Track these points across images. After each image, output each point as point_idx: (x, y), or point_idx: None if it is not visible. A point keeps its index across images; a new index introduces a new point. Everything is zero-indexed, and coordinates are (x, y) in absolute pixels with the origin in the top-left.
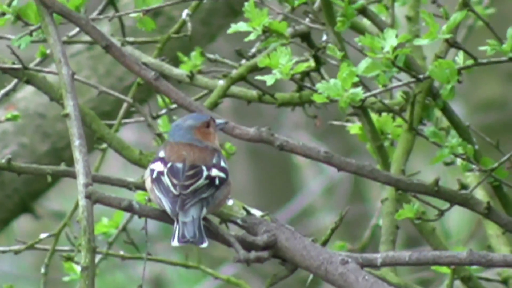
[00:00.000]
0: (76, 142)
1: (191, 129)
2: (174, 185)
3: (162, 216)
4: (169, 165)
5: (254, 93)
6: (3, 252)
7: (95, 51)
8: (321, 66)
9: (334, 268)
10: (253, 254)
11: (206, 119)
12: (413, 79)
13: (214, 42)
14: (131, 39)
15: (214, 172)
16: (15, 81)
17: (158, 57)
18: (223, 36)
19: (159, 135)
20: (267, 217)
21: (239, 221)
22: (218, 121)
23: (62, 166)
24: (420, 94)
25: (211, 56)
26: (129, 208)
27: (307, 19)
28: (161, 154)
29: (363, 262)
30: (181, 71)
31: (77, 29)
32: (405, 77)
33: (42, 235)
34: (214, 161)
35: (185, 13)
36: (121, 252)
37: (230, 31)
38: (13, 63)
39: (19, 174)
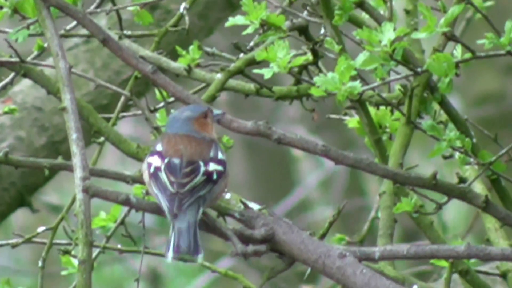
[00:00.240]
0: (73, 136)
1: (189, 120)
2: (171, 183)
3: (159, 210)
4: (166, 160)
5: (251, 86)
6: (0, 246)
7: (92, 44)
8: (318, 59)
9: (332, 261)
10: (250, 248)
11: (203, 109)
12: (411, 73)
13: (212, 36)
14: (128, 32)
15: (212, 166)
16: (12, 74)
17: (155, 51)
18: (221, 30)
19: (157, 129)
20: (264, 211)
21: (236, 214)
22: (216, 111)
23: (59, 160)
24: (418, 88)
25: (208, 49)
26: (126, 202)
27: (305, 13)
28: (159, 147)
29: (361, 255)
30: (178, 65)
31: (74, 22)
32: (403, 71)
33: (40, 229)
34: (212, 154)
35: (182, 7)
36: (119, 246)
37: (227, 24)
38: (10, 57)
39: (16, 168)
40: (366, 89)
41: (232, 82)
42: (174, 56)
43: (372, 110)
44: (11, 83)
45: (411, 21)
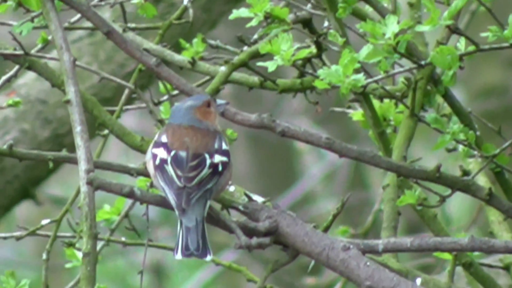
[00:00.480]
0: (77, 128)
1: (191, 109)
2: (178, 177)
3: (164, 203)
4: (172, 153)
5: (255, 79)
6: (5, 238)
7: (96, 37)
8: (322, 52)
9: (336, 254)
10: (254, 241)
11: (206, 98)
12: (415, 66)
13: (216, 29)
14: (132, 25)
15: (217, 158)
16: (16, 67)
17: (159, 44)
18: (225, 22)
19: (161, 121)
20: (268, 203)
21: (240, 207)
22: (219, 101)
23: (64, 152)
24: (421, 81)
25: (212, 42)
26: (130, 195)
27: (309, 5)
28: (164, 139)
29: (364, 248)
30: (182, 57)
31: (78, 15)
32: (407, 63)
33: (44, 222)
34: (216, 145)
35: (186, 0)
36: (123, 239)
37: (231, 17)
38: (15, 49)
39: (20, 160)
40: (370, 82)
41: (236, 75)
42: (178, 49)
43: (376, 103)
44: (15, 76)
45: (415, 14)
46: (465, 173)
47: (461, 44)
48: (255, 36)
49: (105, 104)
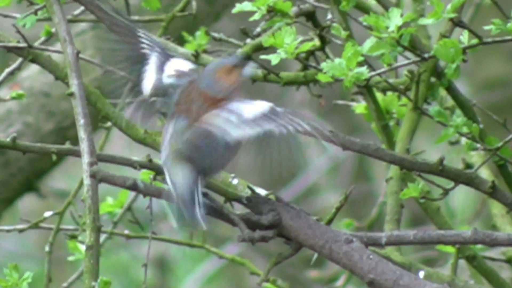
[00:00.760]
0: (81, 121)
1: (214, 71)
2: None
3: (167, 196)
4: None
5: (259, 72)
6: (8, 231)
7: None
8: (326, 45)
9: (339, 247)
10: (257, 233)
11: (233, 61)
12: (418, 59)
13: (219, 21)
14: (135, 18)
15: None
16: (20, 60)
17: (163, 36)
18: (228, 15)
19: (164, 114)
20: (271, 196)
21: (243, 200)
22: (249, 66)
23: (67, 145)
24: (425, 74)
25: (216, 35)
26: (134, 187)
27: None
28: (175, 98)
29: (367, 241)
30: (186, 50)
31: (82, 8)
32: (410, 56)
33: (47, 214)
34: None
35: None
36: (126, 232)
37: (234, 11)
38: (18, 42)
39: (24, 153)
40: (373, 75)
41: None
42: (182, 42)
43: (379, 95)
44: (19, 68)
45: (418, 7)
46: (468, 166)
47: (464, 37)
48: (258, 29)
49: (109, 97)
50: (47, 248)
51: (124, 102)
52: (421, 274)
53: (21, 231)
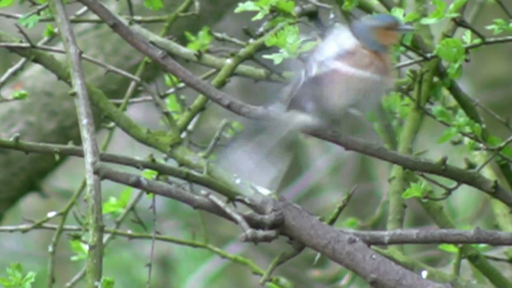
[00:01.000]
0: (83, 121)
1: (374, 29)
2: None
3: (170, 192)
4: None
5: (261, 71)
6: (11, 231)
7: (102, 30)
8: None
9: (341, 246)
10: (260, 233)
11: (392, 20)
12: (420, 58)
13: (222, 21)
14: (138, 17)
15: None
16: (22, 59)
17: (165, 36)
18: (231, 15)
19: (167, 114)
20: (274, 196)
21: (246, 200)
22: (403, 26)
23: (70, 145)
24: (427, 73)
25: (218, 34)
26: (137, 184)
27: None
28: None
29: (370, 240)
30: (188, 50)
31: (85, 8)
32: (413, 56)
33: (50, 214)
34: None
35: None
36: (129, 231)
37: (237, 10)
38: (21, 42)
39: (26, 153)
40: None
41: (242, 68)
42: (184, 41)
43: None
44: (22, 68)
45: (420, 7)
46: (471, 165)
47: (467, 37)
48: (261, 29)
49: (111, 97)
50: (50, 249)
51: (127, 102)
52: (424, 273)
53: (24, 231)
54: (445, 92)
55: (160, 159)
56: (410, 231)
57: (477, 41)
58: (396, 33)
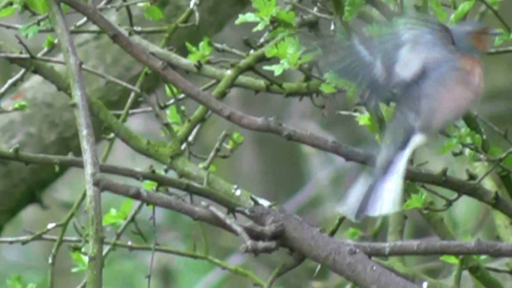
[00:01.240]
0: (83, 132)
1: (469, 35)
2: None
3: (170, 204)
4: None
5: (261, 82)
6: (11, 242)
7: (102, 40)
8: None
9: (342, 258)
10: (260, 244)
11: (482, 25)
12: None
13: (222, 31)
14: (138, 28)
15: None
16: (22, 70)
17: (165, 47)
18: (231, 25)
19: (167, 125)
20: (274, 207)
21: (246, 211)
22: (492, 30)
23: (70, 156)
24: None
25: (218, 45)
26: (137, 195)
27: (315, 9)
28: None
29: (371, 251)
30: (188, 61)
31: (85, 18)
32: None
33: (50, 225)
34: None
35: (192, 2)
36: (129, 243)
37: (237, 21)
38: (21, 53)
39: (26, 164)
40: None
41: (242, 79)
42: (184, 52)
43: (382, 106)
44: (22, 79)
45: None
46: (472, 176)
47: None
48: (261, 40)
49: (111, 107)
50: (50, 260)
51: (127, 113)
52: (425, 285)
53: (24, 242)
54: None
55: (160, 170)
56: (411, 242)
57: None
58: (488, 38)
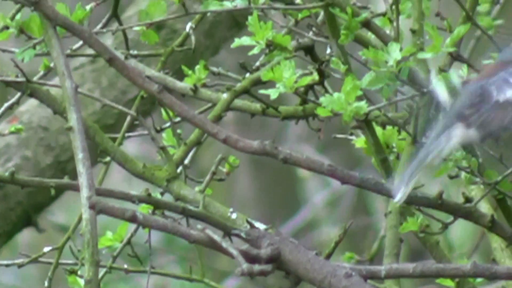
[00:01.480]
0: (79, 155)
1: None
2: None
3: (166, 227)
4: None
5: (257, 106)
6: (7, 265)
7: (98, 64)
8: (324, 79)
9: (338, 281)
10: (256, 268)
11: None
12: (417, 93)
13: (218, 55)
14: (134, 52)
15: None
16: (18, 94)
17: (161, 70)
18: (227, 49)
19: (163, 148)
20: (270, 230)
21: (242, 234)
22: None
23: (66, 179)
24: (424, 107)
25: (214, 69)
26: (132, 219)
27: (311, 32)
28: None
29: (367, 274)
30: (184, 84)
31: (81, 42)
32: (410, 90)
33: (46, 249)
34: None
35: (188, 26)
36: (125, 266)
37: (233, 45)
38: (17, 76)
39: (22, 187)
40: (372, 110)
41: (238, 102)
42: (180, 75)
43: (378, 129)
44: (18, 102)
45: (417, 41)
46: (468, 199)
47: (464, 71)
48: (257, 63)
49: (107, 131)
50: (46, 283)
51: (123, 137)
52: None
53: (20, 266)
54: None
55: (156, 193)
56: (407, 265)
57: (473, 76)
58: None
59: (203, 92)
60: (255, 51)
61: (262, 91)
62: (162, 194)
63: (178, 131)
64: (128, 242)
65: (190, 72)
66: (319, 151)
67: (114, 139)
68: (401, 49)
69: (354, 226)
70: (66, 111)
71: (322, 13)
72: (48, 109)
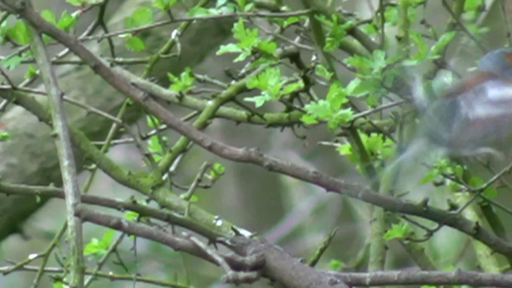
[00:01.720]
0: (65, 163)
1: (501, 54)
2: None
3: (151, 234)
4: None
5: (243, 113)
6: None
7: (84, 71)
8: (310, 86)
9: None
10: (241, 275)
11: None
12: (402, 100)
13: (204, 62)
14: (120, 59)
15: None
16: (4, 101)
17: (147, 78)
18: (213, 56)
19: (148, 156)
20: (255, 238)
21: (227, 241)
22: None
23: (51, 187)
24: (409, 115)
25: (200, 76)
26: (118, 226)
27: (297, 39)
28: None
29: (352, 281)
30: (170, 92)
31: (66, 49)
32: (396, 97)
33: (31, 256)
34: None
35: (174, 34)
36: (110, 273)
37: (219, 52)
38: (2, 84)
39: (8, 195)
40: (358, 117)
41: (224, 109)
42: (166, 82)
43: (363, 137)
44: (3, 110)
45: (403, 48)
46: (453, 207)
47: (448, 79)
48: (243, 70)
49: (93, 138)
50: None
51: (108, 144)
52: None
53: (5, 273)
54: None
55: (142, 200)
56: (392, 273)
57: None
58: None
59: (189, 99)
60: (241, 58)
61: (247, 99)
62: (147, 201)
63: (164, 138)
64: (114, 249)
65: (175, 79)
66: (304, 158)
67: (99, 146)
68: (386, 57)
69: (339, 234)
70: (51, 118)
71: (308, 20)
72: (34, 116)
